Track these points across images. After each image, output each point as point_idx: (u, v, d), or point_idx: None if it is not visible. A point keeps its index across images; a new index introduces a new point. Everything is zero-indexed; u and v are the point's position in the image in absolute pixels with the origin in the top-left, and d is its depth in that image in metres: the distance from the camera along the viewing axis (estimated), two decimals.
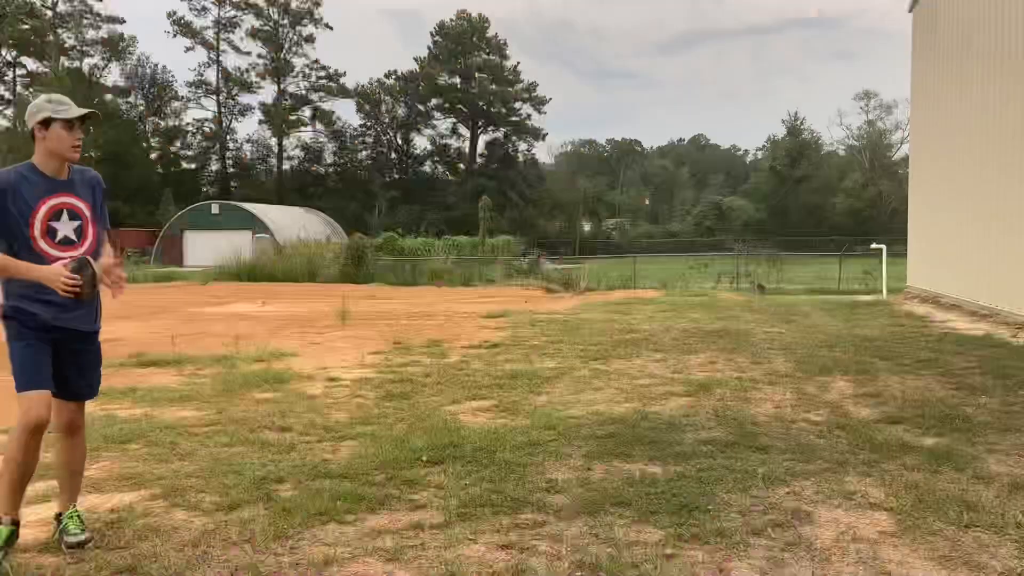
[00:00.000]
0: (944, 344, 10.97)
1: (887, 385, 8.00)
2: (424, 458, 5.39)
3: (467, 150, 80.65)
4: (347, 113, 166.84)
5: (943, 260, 17.67)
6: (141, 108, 73.04)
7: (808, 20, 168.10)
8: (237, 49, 73.04)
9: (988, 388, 7.78)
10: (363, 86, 76.44)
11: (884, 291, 21.98)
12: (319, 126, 75.54)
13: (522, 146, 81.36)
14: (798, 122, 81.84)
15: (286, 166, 75.81)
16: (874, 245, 24.27)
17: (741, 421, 6.51)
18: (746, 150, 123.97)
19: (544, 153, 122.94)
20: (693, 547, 3.90)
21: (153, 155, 72.51)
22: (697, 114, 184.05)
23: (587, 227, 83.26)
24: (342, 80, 74.93)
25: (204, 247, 43.76)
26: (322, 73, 74.49)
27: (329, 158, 77.48)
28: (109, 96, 68.36)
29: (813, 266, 34.09)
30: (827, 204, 77.73)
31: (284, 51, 73.62)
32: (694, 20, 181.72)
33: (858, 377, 8.47)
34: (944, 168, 18.01)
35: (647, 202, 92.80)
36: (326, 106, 75.40)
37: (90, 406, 4.55)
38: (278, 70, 72.79)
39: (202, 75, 73.25)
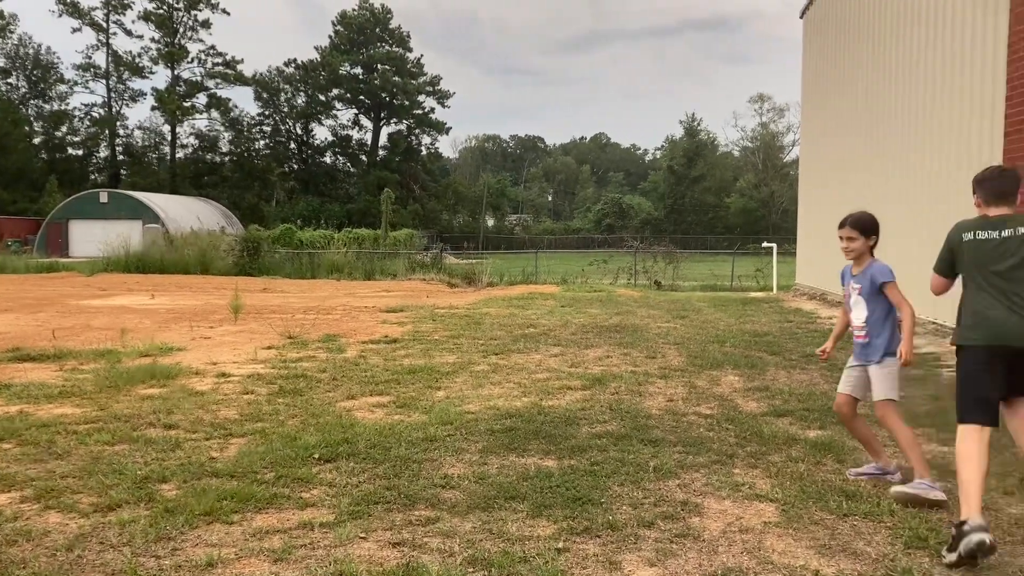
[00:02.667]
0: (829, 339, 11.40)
1: (775, 379, 8.27)
2: (316, 455, 5.27)
3: (369, 142, 79.67)
4: (245, 101, 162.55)
5: (828, 258, 18.40)
6: (23, 90, 69.39)
7: (706, 23, 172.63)
8: (129, 32, 70.16)
9: None
10: (262, 74, 74.54)
11: (775, 288, 22.76)
12: (215, 114, 73.25)
13: (425, 139, 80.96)
14: (695, 123, 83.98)
15: (180, 154, 73.25)
16: (765, 244, 25.18)
17: (634, 415, 6.61)
18: (646, 149, 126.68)
19: (448, 147, 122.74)
20: (585, 540, 3.92)
21: (36, 140, 68.95)
22: (599, 113, 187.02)
23: (491, 222, 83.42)
24: (239, 67, 72.85)
25: (91, 237, 41.83)
26: (218, 59, 72.27)
27: (225, 147, 75.26)
28: None
29: (708, 263, 35.01)
30: (722, 203, 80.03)
31: (179, 36, 71.10)
32: (597, 20, 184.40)
33: (747, 371, 8.73)
34: (828, 169, 18.77)
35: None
36: (222, 93, 73.20)
37: None
38: (172, 55, 70.19)
39: (90, 58, 70.12)
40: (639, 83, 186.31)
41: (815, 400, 7.19)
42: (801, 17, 21.93)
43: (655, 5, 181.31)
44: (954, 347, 4.27)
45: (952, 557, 3.59)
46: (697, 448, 5.58)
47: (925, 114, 12.69)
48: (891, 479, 4.77)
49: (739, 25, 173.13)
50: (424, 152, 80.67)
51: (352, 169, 79.44)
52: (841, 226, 5.09)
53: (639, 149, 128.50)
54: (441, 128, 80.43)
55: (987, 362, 4.06)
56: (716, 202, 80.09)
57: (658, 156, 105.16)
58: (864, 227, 5.04)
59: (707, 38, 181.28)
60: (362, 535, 3.97)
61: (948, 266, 4.34)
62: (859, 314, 5.05)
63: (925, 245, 12.15)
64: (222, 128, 74.39)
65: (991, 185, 4.17)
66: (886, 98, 14.55)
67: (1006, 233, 4.00)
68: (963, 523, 3.64)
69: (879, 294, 4.91)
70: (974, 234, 4.13)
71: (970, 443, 4.05)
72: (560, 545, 3.84)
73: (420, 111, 78.56)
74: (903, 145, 13.59)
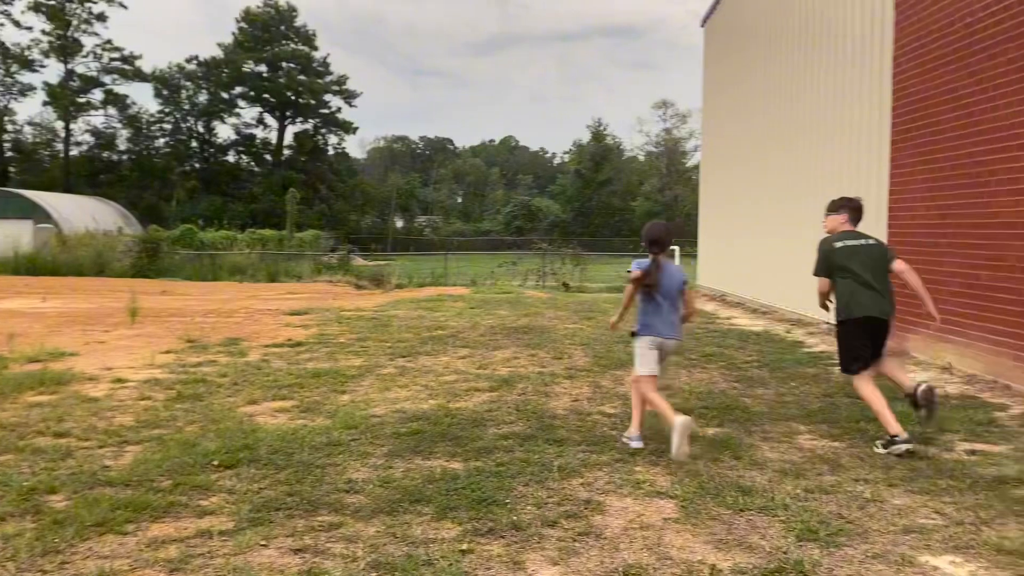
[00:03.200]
0: (727, 339, 11.75)
1: (675, 378, 8.46)
2: (216, 462, 5.15)
3: (274, 141, 77.98)
4: (143, 98, 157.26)
5: (727, 261, 18.98)
6: None
7: (612, 30, 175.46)
8: (16, 23, 66.73)
9: (764, 380, 8.41)
10: (161, 70, 72.01)
11: None
12: (112, 110, 70.42)
13: (332, 139, 79.53)
14: (602, 128, 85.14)
15: (74, 152, 70.07)
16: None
17: (540, 415, 6.68)
18: (554, 153, 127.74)
19: (356, 147, 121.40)
20: (489, 541, 3.95)
21: None
22: (507, 116, 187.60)
23: (400, 223, 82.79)
24: (138, 63, 70.16)
25: None
26: (115, 54, 69.37)
27: (123, 145, 72.40)
28: None
29: (614, 265, 35.55)
30: (628, 207, 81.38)
31: (72, 28, 68.11)
32: (504, 24, 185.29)
33: None
34: (726, 177, 19.35)
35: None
36: (120, 89, 70.36)
37: None
38: (65, 48, 67.17)
39: None
40: (547, 87, 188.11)
41: (713, 398, 7.40)
42: (702, 25, 22.52)
43: (561, 9, 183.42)
44: (837, 323, 6.00)
45: (883, 451, 5.49)
46: (601, 447, 5.68)
47: (814, 123, 13.21)
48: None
49: (644, 32, 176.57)
50: (331, 152, 79.36)
51: (256, 168, 77.52)
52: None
53: (547, 152, 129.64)
54: (348, 128, 79.27)
55: (861, 329, 5.81)
56: (622, 205, 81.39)
57: (566, 159, 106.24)
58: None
59: (613, 44, 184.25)
60: (263, 542, 3.90)
61: (826, 269, 6.00)
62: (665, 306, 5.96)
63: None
64: (120, 125, 71.56)
65: (857, 212, 6.20)
66: (779, 105, 15.08)
67: (863, 242, 5.93)
68: (894, 437, 5.46)
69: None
70: (844, 243, 5.94)
71: (867, 386, 5.80)
72: (464, 547, 3.85)
73: (326, 110, 77.28)
74: (795, 151, 14.11)
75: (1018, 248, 7.65)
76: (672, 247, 24.31)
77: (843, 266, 5.86)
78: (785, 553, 3.82)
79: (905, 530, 4.14)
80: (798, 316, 13.73)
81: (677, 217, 74.91)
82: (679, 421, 5.41)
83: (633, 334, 5.91)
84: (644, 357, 5.82)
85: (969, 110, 8.49)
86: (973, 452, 5.60)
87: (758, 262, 16.25)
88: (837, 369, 8.98)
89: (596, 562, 3.73)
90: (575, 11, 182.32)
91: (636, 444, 5.70)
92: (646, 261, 5.87)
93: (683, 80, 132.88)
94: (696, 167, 67.15)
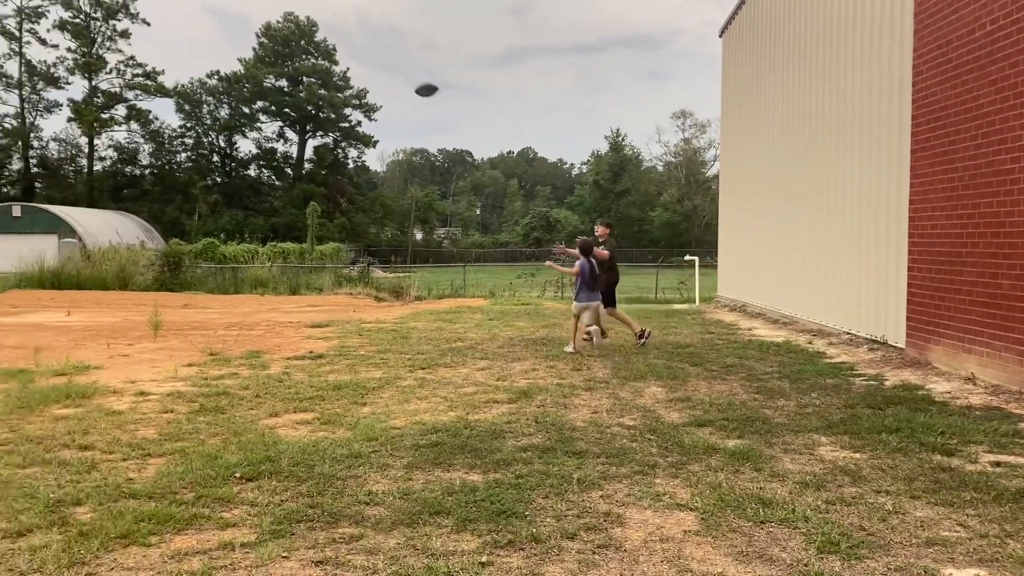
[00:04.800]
0: (748, 350, 11.70)
1: (696, 390, 8.44)
2: (238, 474, 5.19)
3: (295, 155, 78.61)
4: (166, 113, 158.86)
5: (748, 272, 18.90)
6: None
7: (629, 40, 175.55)
8: (43, 41, 67.79)
9: (785, 391, 8.37)
10: (183, 86, 72.90)
11: (697, 300, 23.22)
12: (135, 126, 71.28)
13: (352, 152, 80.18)
14: (620, 138, 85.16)
15: (98, 167, 71.03)
16: (688, 257, 25.65)
17: (560, 427, 6.68)
18: (572, 163, 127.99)
19: (375, 160, 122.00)
20: (509, 553, 3.96)
21: None
22: (526, 127, 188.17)
23: (419, 235, 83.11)
24: (160, 78, 71.07)
25: (2, 252, 40.29)
26: (138, 70, 70.36)
27: (146, 160, 73.31)
28: None
29: (632, 276, 35.51)
30: (646, 217, 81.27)
31: (96, 46, 69.06)
32: (522, 36, 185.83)
33: (670, 382, 8.89)
34: (745, 187, 19.29)
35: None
36: (143, 105, 71.29)
37: None
38: (89, 65, 68.13)
39: (2, 67, 67.56)
40: (565, 98, 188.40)
41: (734, 410, 7.36)
42: (720, 35, 22.51)
43: (579, 22, 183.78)
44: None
45: (641, 343, 11.44)
46: (620, 459, 5.67)
47: (833, 131, 13.17)
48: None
49: (662, 42, 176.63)
50: (351, 165, 79.96)
51: (277, 182, 78.20)
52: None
53: (566, 163, 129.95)
54: (368, 141, 79.83)
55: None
56: (641, 216, 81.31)
57: (584, 170, 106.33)
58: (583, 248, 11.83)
59: (631, 54, 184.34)
60: (284, 554, 3.93)
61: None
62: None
63: (861, 249, 12.57)
64: (142, 140, 72.50)
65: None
66: (800, 116, 15.04)
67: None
68: (644, 331, 11.80)
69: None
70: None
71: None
72: (484, 559, 3.86)
73: (347, 124, 77.91)
74: (813, 160, 14.06)
75: None
76: (692, 257, 24.35)
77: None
78: (806, 566, 3.80)
79: (928, 543, 4.10)
80: (819, 327, 13.65)
81: (698, 226, 74.85)
82: (593, 330, 11.36)
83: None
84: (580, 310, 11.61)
85: (990, 118, 8.44)
86: (998, 464, 5.54)
87: (778, 272, 16.18)
88: (859, 380, 8.93)
89: (616, 574, 3.73)
90: (593, 23, 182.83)
91: (568, 349, 11.37)
92: (582, 260, 11.59)
93: (702, 90, 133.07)
94: (716, 177, 66.98)
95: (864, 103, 11.98)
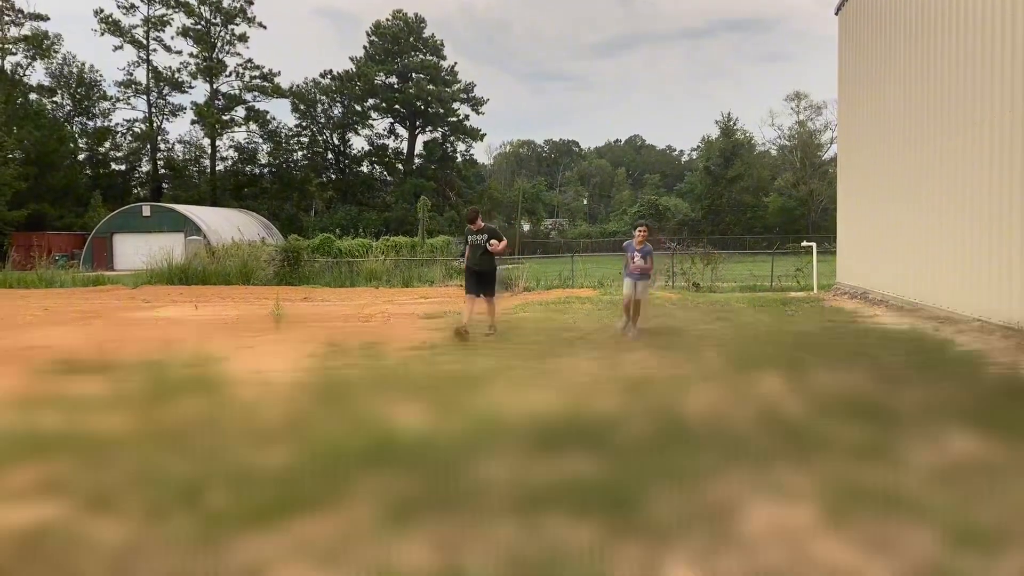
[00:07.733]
0: (871, 339, 11.27)
1: (817, 379, 8.18)
2: (358, 462, 5.33)
3: (405, 150, 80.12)
4: (282, 113, 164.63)
5: (870, 257, 18.18)
6: (68, 108, 70.84)
7: (738, 23, 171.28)
8: (168, 48, 71.26)
9: (912, 380, 8.02)
10: (298, 86, 75.25)
11: (815, 288, 22.49)
12: (253, 126, 74.13)
13: (460, 146, 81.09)
14: (731, 123, 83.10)
15: (220, 167, 74.21)
16: (805, 243, 24.86)
17: (674, 417, 6.60)
18: (681, 150, 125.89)
19: (483, 153, 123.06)
20: (626, 543, 3.93)
21: (81, 156, 70.33)
22: (633, 115, 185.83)
23: (526, 227, 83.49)
24: (276, 80, 73.63)
25: (134, 250, 42.52)
26: (256, 73, 73.09)
27: (264, 159, 76.10)
28: (33, 96, 66.09)
29: (746, 264, 34.67)
30: (760, 203, 79.20)
31: (216, 50, 72.09)
32: (628, 23, 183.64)
33: (789, 372, 8.65)
34: (867, 169, 18.53)
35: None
36: (260, 106, 74.03)
37: (8, 411, 4.40)
38: (210, 69, 71.21)
39: (131, 74, 71.29)
40: (673, 85, 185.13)
41: (858, 400, 7.11)
42: (836, 13, 21.70)
43: (686, 7, 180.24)
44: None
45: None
46: (738, 450, 5.55)
47: (963, 109, 12.50)
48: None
49: (773, 24, 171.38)
50: (459, 159, 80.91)
51: (389, 178, 79.92)
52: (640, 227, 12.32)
53: (675, 150, 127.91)
54: (476, 135, 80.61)
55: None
56: (754, 202, 79.27)
57: (694, 157, 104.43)
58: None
59: (740, 38, 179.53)
60: (403, 538, 4.02)
61: None
62: (639, 262, 11.87)
63: (981, 233, 11.97)
64: (260, 140, 75.31)
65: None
66: (924, 93, 14.35)
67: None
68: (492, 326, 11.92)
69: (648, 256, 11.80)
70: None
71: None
72: (601, 547, 3.85)
73: (455, 118, 78.85)
74: (942, 139, 13.39)
75: None
76: (809, 243, 23.60)
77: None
78: (939, 560, 3.64)
79: None
80: (946, 313, 13.01)
81: (815, 211, 72.57)
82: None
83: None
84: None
85: None
86: None
87: (903, 256, 15.50)
88: (992, 368, 8.48)
89: (735, 565, 3.66)
90: (700, 7, 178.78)
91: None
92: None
93: (816, 71, 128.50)
94: (833, 160, 64.70)
95: (992, 74, 11.32)
